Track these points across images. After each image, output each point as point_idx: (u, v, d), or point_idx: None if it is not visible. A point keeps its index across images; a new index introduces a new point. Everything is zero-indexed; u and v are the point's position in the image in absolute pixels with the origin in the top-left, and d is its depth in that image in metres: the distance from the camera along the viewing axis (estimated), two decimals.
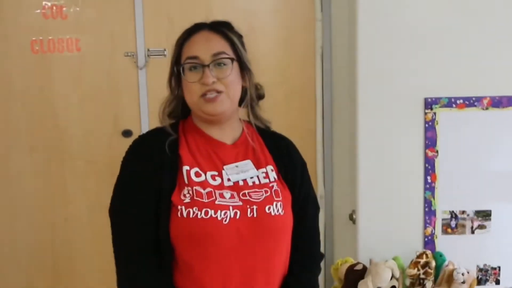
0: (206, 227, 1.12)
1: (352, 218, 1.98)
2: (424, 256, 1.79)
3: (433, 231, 1.90)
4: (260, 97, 1.30)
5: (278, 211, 1.18)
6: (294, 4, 2.17)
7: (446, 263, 1.83)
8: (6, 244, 2.16)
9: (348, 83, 2.01)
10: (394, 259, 1.81)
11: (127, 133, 2.15)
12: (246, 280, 1.16)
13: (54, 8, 2.09)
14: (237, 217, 1.14)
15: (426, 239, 1.91)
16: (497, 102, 1.84)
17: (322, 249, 2.12)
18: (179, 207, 1.12)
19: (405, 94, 1.84)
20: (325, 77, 2.16)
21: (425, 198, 1.87)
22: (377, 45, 1.83)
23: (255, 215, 1.15)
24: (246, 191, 1.18)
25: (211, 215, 1.12)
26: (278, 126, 2.12)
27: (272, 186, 1.21)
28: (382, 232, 1.88)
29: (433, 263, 1.79)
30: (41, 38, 2.09)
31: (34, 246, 2.16)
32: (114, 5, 2.11)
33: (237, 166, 1.21)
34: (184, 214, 1.11)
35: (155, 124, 1.29)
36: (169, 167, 1.16)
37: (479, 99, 1.84)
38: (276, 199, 1.19)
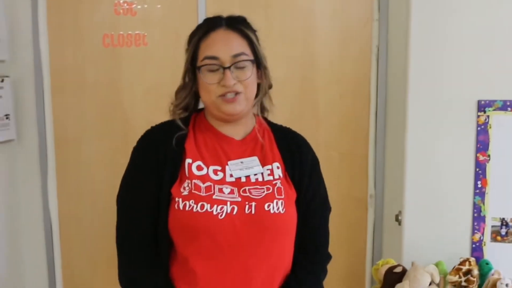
0: (201, 221, 1.12)
1: (398, 219, 1.95)
2: (467, 263, 1.73)
3: (482, 238, 1.83)
4: (270, 87, 1.30)
5: (278, 209, 1.16)
6: (352, 4, 2.18)
7: (492, 271, 1.76)
8: (73, 227, 2.30)
9: (403, 83, 2.00)
10: (437, 264, 1.77)
11: None
12: (242, 278, 1.15)
13: (126, 5, 2.24)
14: (234, 212, 1.13)
15: (473, 245, 1.84)
16: None
17: (370, 249, 2.17)
18: (177, 199, 1.14)
19: (457, 96, 1.79)
20: (380, 77, 2.15)
21: (474, 203, 1.81)
22: (431, 45, 1.79)
23: (253, 212, 1.14)
24: (247, 188, 1.17)
25: (206, 209, 1.12)
26: (331, 124, 2.19)
27: (276, 183, 1.20)
28: (427, 236, 1.84)
29: (476, 271, 1.72)
30: (112, 33, 2.24)
31: (98, 232, 2.27)
32: (179, 2, 2.23)
33: (242, 162, 1.20)
34: (181, 206, 1.13)
35: None
36: (172, 160, 1.17)
37: None
38: (277, 196, 1.18)
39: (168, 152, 1.18)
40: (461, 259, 1.75)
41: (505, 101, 1.77)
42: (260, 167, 1.21)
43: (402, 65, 1.96)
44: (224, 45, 1.17)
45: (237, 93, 1.16)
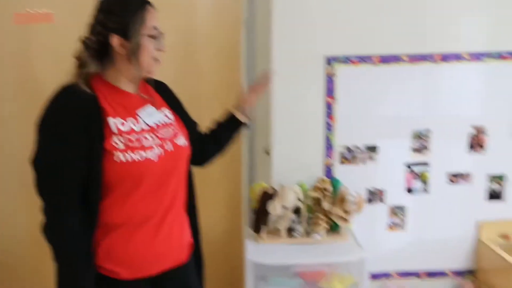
0: (142, 167, 1.33)
1: (267, 151, 2.41)
2: (323, 181, 2.24)
3: (332, 162, 2.38)
4: None
5: (183, 142, 1.49)
6: None
7: (341, 187, 2.28)
8: None
9: (267, 44, 2.36)
10: (300, 184, 2.26)
11: None
12: (172, 196, 1.44)
13: None
14: (162, 153, 1.39)
15: (326, 168, 2.38)
16: (385, 59, 2.28)
17: (245, 175, 2.58)
18: (115, 152, 1.29)
19: (310, 53, 2.25)
20: (249, 41, 2.46)
21: (325, 136, 2.33)
22: (290, 14, 2.21)
23: (172, 149, 1.42)
24: (161, 130, 1.43)
25: (145, 157, 1.34)
26: (211, 80, 2.55)
27: (173, 123, 1.50)
28: (291, 163, 2.32)
29: (330, 187, 2.23)
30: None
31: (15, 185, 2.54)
32: None
33: (145, 111, 1.43)
34: (122, 158, 1.30)
35: None
36: (95, 120, 1.31)
37: (370, 57, 2.27)
38: (179, 133, 1.49)
39: (89, 112, 1.31)
40: (318, 179, 2.26)
41: (346, 56, 2.27)
42: (158, 113, 1.48)
43: (267, 29, 2.33)
44: (157, 19, 1.42)
45: None
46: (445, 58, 2.29)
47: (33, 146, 1.34)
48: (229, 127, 1.75)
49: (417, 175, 2.42)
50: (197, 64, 2.54)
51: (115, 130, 1.34)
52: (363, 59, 2.27)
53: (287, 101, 2.21)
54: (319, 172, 2.37)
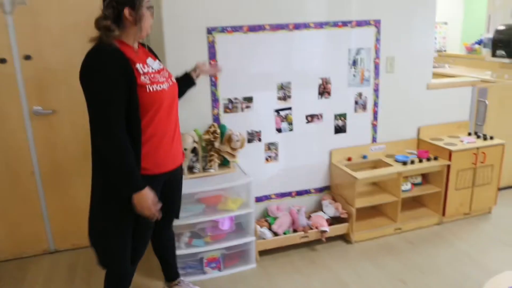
0: (162, 94, 1.97)
1: None
2: (213, 126, 2.83)
3: (218, 112, 2.98)
4: None
5: (175, 80, 2.16)
6: None
7: (227, 130, 2.90)
8: None
9: (160, 19, 2.84)
10: (195, 130, 2.83)
11: (2, 61, 2.79)
12: (175, 118, 2.12)
13: None
14: (168, 86, 2.03)
15: (214, 117, 2.98)
16: (252, 28, 2.91)
17: None
18: (147, 86, 1.90)
19: (194, 24, 2.79)
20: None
21: (211, 91, 2.91)
22: None
23: (171, 84, 2.08)
24: (161, 73, 2.04)
25: (162, 88, 1.98)
26: None
27: (165, 69, 2.12)
28: (187, 114, 2.82)
29: (218, 130, 2.83)
30: None
31: None
32: None
33: (150, 61, 2.02)
34: (151, 89, 1.92)
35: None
36: (127, 65, 1.85)
37: (241, 27, 2.89)
38: (171, 74, 2.15)
39: (122, 61, 1.85)
40: (208, 125, 2.85)
41: (223, 27, 2.85)
42: (156, 62, 2.07)
43: (158, 7, 2.82)
44: None
45: None
46: (297, 26, 3.01)
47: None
48: (187, 84, 2.49)
49: (284, 118, 3.15)
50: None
51: (141, 71, 1.93)
52: (236, 28, 2.88)
53: (180, 65, 2.65)
54: (209, 120, 2.97)
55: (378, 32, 3.22)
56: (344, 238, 3.21)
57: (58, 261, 3.10)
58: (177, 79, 2.35)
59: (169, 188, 2.22)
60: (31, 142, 2.99)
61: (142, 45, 2.10)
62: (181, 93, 2.37)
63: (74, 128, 3.01)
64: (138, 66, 1.92)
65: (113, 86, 1.81)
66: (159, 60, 2.17)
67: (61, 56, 2.90)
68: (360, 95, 3.30)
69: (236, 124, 3.01)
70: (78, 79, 1.87)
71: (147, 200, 1.92)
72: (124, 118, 1.86)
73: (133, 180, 1.89)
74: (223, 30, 2.85)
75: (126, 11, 1.87)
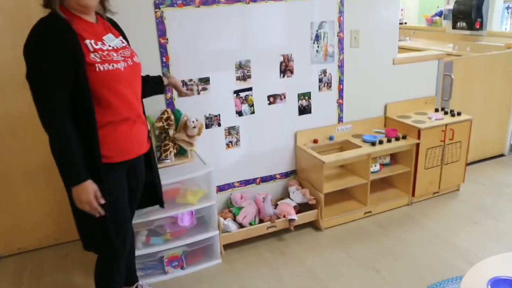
0: (116, 75, 1.75)
1: None
2: (166, 112, 2.54)
3: (172, 96, 2.70)
4: None
5: (137, 60, 1.93)
6: None
7: (183, 116, 2.62)
8: None
9: None
10: (146, 117, 2.54)
11: None
12: (136, 101, 1.91)
13: None
14: (126, 66, 1.81)
15: (167, 101, 2.71)
16: (205, 2, 2.62)
17: None
18: (96, 65, 1.69)
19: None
20: None
21: (163, 73, 2.60)
22: None
23: (132, 64, 1.86)
24: (121, 51, 1.84)
25: (116, 67, 1.76)
26: None
27: (128, 47, 1.93)
28: None
29: (173, 117, 2.56)
30: None
31: None
32: None
33: (107, 37, 1.82)
34: (101, 68, 1.70)
35: None
36: (73, 41, 1.66)
37: (193, 0, 2.58)
38: (134, 54, 1.93)
39: (67, 35, 1.65)
40: (161, 111, 2.57)
41: (173, 0, 2.54)
42: (117, 39, 1.87)
43: None
44: None
45: None
46: None
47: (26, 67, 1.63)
48: (155, 88, 2.29)
49: (244, 100, 2.91)
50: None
51: (91, 49, 1.72)
52: (187, 2, 2.58)
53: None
54: (162, 106, 2.68)
55: (342, 3, 3.00)
56: (314, 225, 3.03)
57: (2, 268, 2.80)
58: (146, 78, 2.16)
59: (132, 177, 2.01)
60: None
61: (106, 19, 1.92)
62: (144, 95, 2.16)
63: (8, 119, 2.65)
64: (88, 42, 1.72)
65: (52, 63, 1.62)
66: (124, 37, 1.99)
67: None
68: (324, 72, 3.09)
69: (192, 108, 2.75)
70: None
71: (87, 193, 1.74)
72: (67, 100, 1.68)
73: (71, 170, 1.72)
74: (173, 3, 2.55)
75: None
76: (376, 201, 3.19)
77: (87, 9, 1.77)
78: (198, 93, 2.76)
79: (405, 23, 5.89)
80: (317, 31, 2.97)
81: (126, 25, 2.41)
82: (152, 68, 2.57)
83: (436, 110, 3.46)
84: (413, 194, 3.26)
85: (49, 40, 1.62)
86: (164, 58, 2.61)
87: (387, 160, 3.27)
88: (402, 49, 4.34)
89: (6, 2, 2.47)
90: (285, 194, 3.18)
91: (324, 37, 3.01)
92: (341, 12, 3.01)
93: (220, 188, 3.01)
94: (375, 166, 3.14)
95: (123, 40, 1.93)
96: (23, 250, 2.96)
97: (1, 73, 2.55)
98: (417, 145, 3.13)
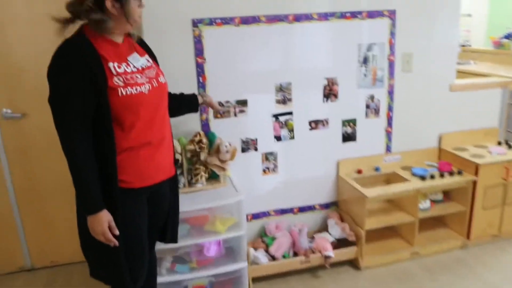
0: (139, 98, 1.68)
1: None
2: (198, 135, 2.42)
3: (207, 117, 2.60)
4: None
5: (163, 80, 1.85)
6: None
7: (216, 139, 2.50)
8: None
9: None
10: (178, 139, 2.45)
11: None
12: (161, 123, 1.82)
13: None
14: (150, 88, 1.73)
15: (202, 123, 2.60)
16: (245, 20, 2.51)
17: None
18: (119, 89, 1.62)
19: (177, 16, 2.40)
20: None
21: (199, 93, 2.50)
22: None
23: (156, 85, 1.78)
24: (146, 71, 1.77)
25: (140, 90, 1.68)
26: None
27: (153, 66, 1.84)
28: (171, 120, 2.47)
29: (205, 140, 2.43)
30: None
31: None
32: None
33: (133, 57, 1.75)
34: (123, 92, 1.63)
35: None
36: (97, 64, 1.60)
37: (232, 19, 2.49)
38: (160, 73, 1.85)
39: (90, 58, 1.59)
40: (194, 133, 2.46)
41: (211, 19, 2.46)
42: (143, 59, 1.80)
43: None
44: None
45: None
46: (298, 18, 2.60)
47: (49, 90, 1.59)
48: (189, 106, 2.23)
49: (283, 124, 2.75)
50: None
51: (114, 72, 1.65)
52: (226, 20, 2.48)
53: (161, 65, 2.28)
54: (197, 127, 2.58)
55: (393, 24, 2.78)
56: (352, 263, 2.79)
57: (34, 280, 2.84)
58: (180, 96, 2.16)
59: (154, 203, 1.91)
60: (1, 150, 2.68)
61: (131, 36, 1.85)
62: (177, 113, 2.15)
63: (46, 134, 2.67)
64: (111, 65, 1.65)
65: (74, 86, 1.57)
66: (151, 54, 1.90)
67: (30, 52, 2.57)
68: (372, 97, 2.87)
69: (228, 131, 2.62)
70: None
71: (101, 224, 1.66)
72: (88, 124, 1.62)
73: (86, 198, 1.65)
74: (212, 22, 2.46)
75: (109, 3, 1.61)
76: (425, 241, 2.88)
77: (127, 31, 1.75)
78: (235, 115, 2.63)
79: (469, 45, 5.51)
80: (365, 53, 2.77)
81: (163, 43, 2.42)
82: (188, 88, 2.49)
83: (499, 144, 3.11)
84: (468, 237, 2.92)
85: (72, 64, 1.57)
86: (200, 78, 2.51)
87: (439, 196, 2.97)
88: (464, 73, 4.03)
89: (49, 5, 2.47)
90: (324, 227, 2.96)
91: (373, 60, 2.80)
92: (392, 33, 2.79)
93: (254, 216, 2.85)
94: (424, 202, 2.85)
95: (149, 59, 1.86)
96: (55, 264, 2.97)
97: (43, 86, 2.56)
98: (474, 182, 2.81)
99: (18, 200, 2.79)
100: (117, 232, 1.69)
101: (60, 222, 2.87)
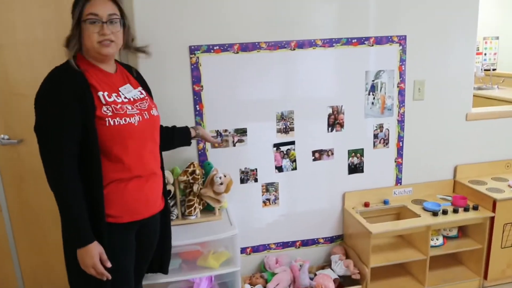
0: (128, 129, 1.63)
1: None
2: (192, 165, 2.30)
3: (204, 146, 2.49)
4: (133, 40, 1.83)
5: (156, 113, 1.81)
6: None
7: (212, 169, 2.39)
8: None
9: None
10: (172, 170, 2.36)
11: None
12: (151, 157, 1.76)
13: None
14: (141, 120, 1.68)
15: (199, 152, 2.50)
16: (245, 47, 2.42)
17: None
18: (106, 119, 1.58)
19: (174, 43, 2.32)
20: None
21: (195, 121, 2.43)
22: (151, 10, 2.28)
23: (148, 117, 1.73)
24: (138, 103, 1.73)
25: (129, 122, 1.63)
26: None
27: (147, 98, 1.80)
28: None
29: (198, 171, 2.30)
30: None
31: None
32: None
33: (125, 88, 1.73)
34: (112, 123, 1.59)
35: None
36: (86, 93, 1.56)
37: (231, 45, 2.40)
38: (152, 106, 1.80)
39: (79, 86, 1.56)
40: (189, 164, 2.36)
41: (209, 45, 2.37)
42: (135, 90, 1.77)
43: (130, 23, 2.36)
44: (103, 7, 1.60)
45: (111, 41, 1.62)
46: (300, 45, 2.48)
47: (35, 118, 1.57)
48: (181, 140, 2.19)
49: (285, 154, 2.62)
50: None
51: (104, 101, 1.61)
52: (225, 47, 2.39)
53: (155, 92, 2.06)
54: (194, 157, 2.48)
55: (403, 50, 2.64)
56: None
57: None
58: (172, 129, 2.13)
59: (143, 236, 1.83)
60: None
61: (126, 67, 1.85)
62: (169, 146, 2.12)
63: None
64: (101, 94, 1.62)
65: (61, 116, 1.53)
66: (145, 86, 1.87)
67: (26, 78, 2.53)
68: (380, 127, 2.72)
69: (227, 161, 2.52)
70: None
71: (92, 257, 1.59)
72: (75, 155, 1.57)
73: (75, 232, 1.59)
74: (209, 49, 2.37)
75: (73, 21, 1.63)
76: (437, 280, 2.68)
77: (106, 57, 1.69)
78: (234, 145, 2.52)
79: (494, 69, 5.27)
80: (373, 81, 2.63)
81: (159, 70, 2.33)
82: (185, 116, 2.41)
83: None
84: (485, 277, 2.70)
85: (60, 93, 1.54)
86: (197, 106, 2.42)
87: (454, 232, 2.77)
88: (487, 98, 3.83)
89: (48, 31, 2.45)
90: (328, 262, 2.79)
91: (381, 88, 2.65)
92: (402, 60, 2.64)
93: (254, 249, 2.71)
94: (437, 239, 2.65)
95: (142, 92, 1.81)
96: None
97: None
98: (492, 218, 2.60)
99: (13, 225, 2.74)
100: (109, 265, 1.62)
101: (54, 249, 2.78)
